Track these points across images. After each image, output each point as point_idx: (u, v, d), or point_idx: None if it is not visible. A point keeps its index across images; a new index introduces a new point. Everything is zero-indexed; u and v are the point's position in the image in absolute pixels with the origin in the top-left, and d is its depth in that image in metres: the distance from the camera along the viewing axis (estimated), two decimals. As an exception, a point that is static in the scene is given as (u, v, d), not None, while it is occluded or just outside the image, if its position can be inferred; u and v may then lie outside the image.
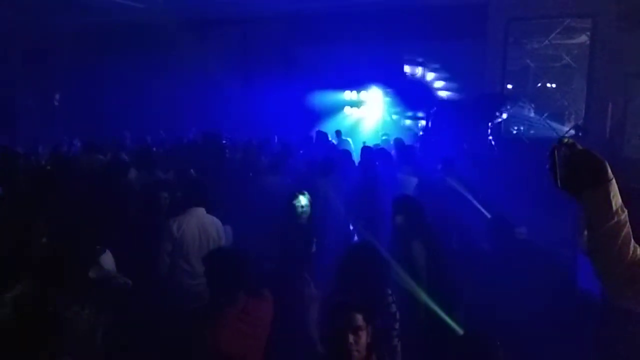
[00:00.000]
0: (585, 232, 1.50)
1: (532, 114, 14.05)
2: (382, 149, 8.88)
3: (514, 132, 14.17)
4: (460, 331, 3.58)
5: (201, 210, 4.40)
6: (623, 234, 1.43)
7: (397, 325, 3.12)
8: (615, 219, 1.43)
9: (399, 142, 9.01)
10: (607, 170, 1.44)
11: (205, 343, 2.62)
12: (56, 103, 17.20)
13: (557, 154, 1.43)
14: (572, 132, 11.92)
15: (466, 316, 5.23)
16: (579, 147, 1.48)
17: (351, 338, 2.23)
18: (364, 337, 2.25)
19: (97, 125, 13.88)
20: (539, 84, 14.42)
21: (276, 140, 10.79)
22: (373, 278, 3.12)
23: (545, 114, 13.58)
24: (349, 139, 12.43)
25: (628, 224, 1.45)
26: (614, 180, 1.44)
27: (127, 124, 13.44)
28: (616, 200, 1.44)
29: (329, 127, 12.94)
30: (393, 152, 8.64)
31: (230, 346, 2.66)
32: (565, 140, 1.47)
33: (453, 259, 5.45)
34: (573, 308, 4.93)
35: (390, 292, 3.19)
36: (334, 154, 8.41)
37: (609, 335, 3.07)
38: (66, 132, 13.35)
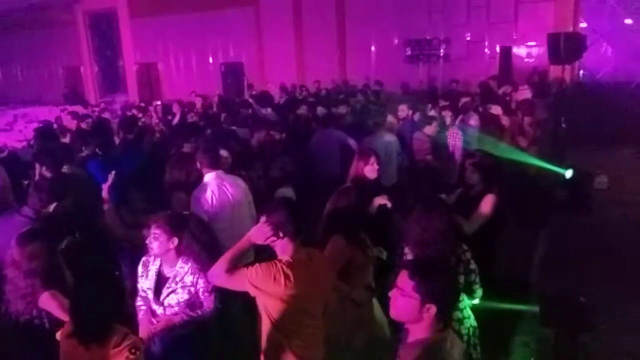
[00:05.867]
0: None
1: (609, 54, 12.97)
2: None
3: (588, 74, 13.21)
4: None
5: (217, 174, 4.08)
6: None
7: (477, 279, 3.01)
8: None
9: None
10: None
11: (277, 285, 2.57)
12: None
13: None
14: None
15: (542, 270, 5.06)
16: None
17: (391, 294, 2.09)
18: (400, 298, 2.05)
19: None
20: (617, 21, 13.21)
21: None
22: (446, 234, 2.98)
23: (624, 53, 12.49)
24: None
25: None
26: None
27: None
28: None
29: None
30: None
31: (300, 286, 2.61)
32: None
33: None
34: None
35: (466, 247, 3.05)
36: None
37: None
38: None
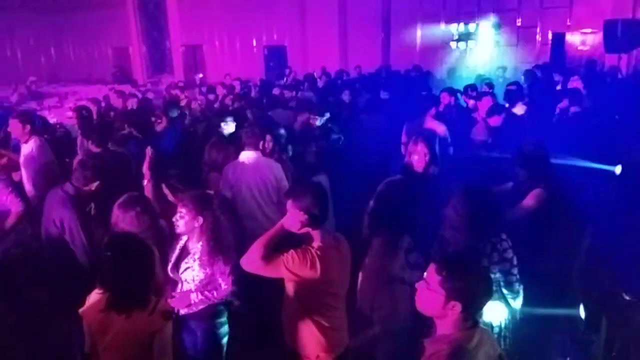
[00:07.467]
0: None
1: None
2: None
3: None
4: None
5: (255, 153, 4.17)
6: None
7: (515, 271, 2.90)
8: None
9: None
10: None
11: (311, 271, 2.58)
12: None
13: None
14: None
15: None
16: None
17: (417, 285, 2.03)
18: (425, 291, 1.99)
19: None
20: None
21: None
22: (485, 222, 2.87)
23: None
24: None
25: None
26: None
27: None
28: None
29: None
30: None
31: (332, 270, 2.64)
32: None
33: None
34: None
35: (505, 237, 2.94)
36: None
37: None
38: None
